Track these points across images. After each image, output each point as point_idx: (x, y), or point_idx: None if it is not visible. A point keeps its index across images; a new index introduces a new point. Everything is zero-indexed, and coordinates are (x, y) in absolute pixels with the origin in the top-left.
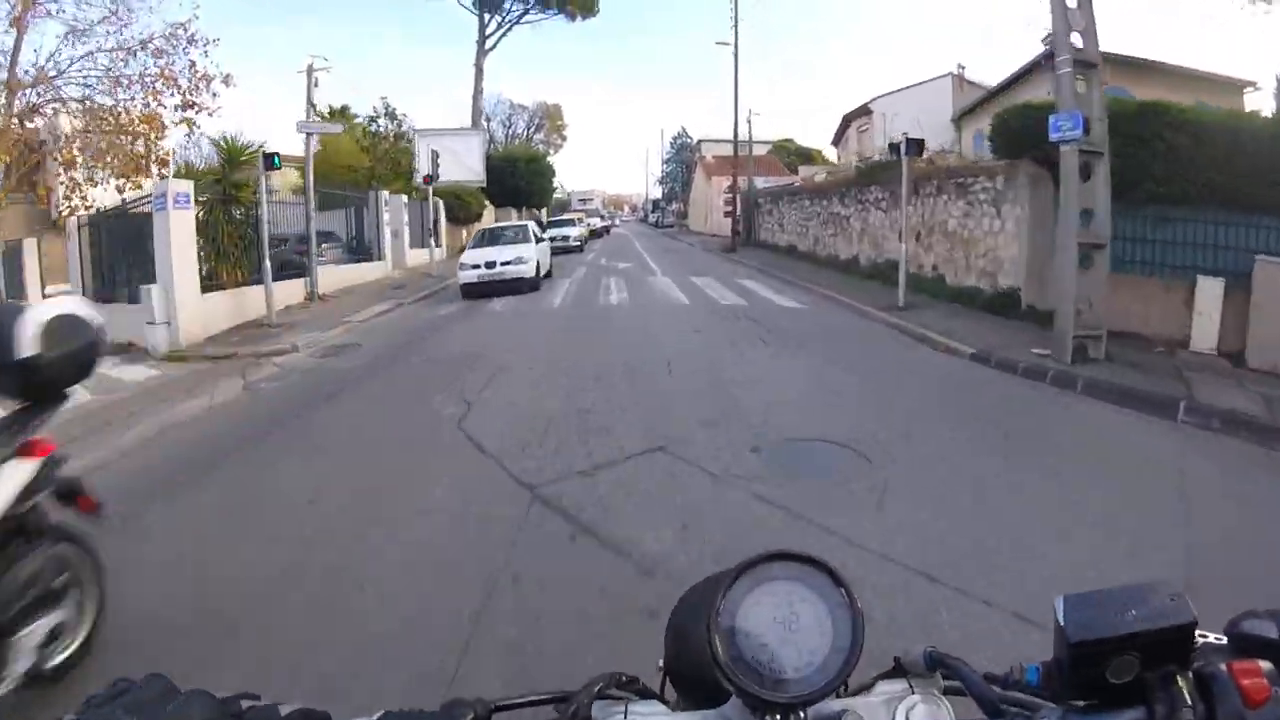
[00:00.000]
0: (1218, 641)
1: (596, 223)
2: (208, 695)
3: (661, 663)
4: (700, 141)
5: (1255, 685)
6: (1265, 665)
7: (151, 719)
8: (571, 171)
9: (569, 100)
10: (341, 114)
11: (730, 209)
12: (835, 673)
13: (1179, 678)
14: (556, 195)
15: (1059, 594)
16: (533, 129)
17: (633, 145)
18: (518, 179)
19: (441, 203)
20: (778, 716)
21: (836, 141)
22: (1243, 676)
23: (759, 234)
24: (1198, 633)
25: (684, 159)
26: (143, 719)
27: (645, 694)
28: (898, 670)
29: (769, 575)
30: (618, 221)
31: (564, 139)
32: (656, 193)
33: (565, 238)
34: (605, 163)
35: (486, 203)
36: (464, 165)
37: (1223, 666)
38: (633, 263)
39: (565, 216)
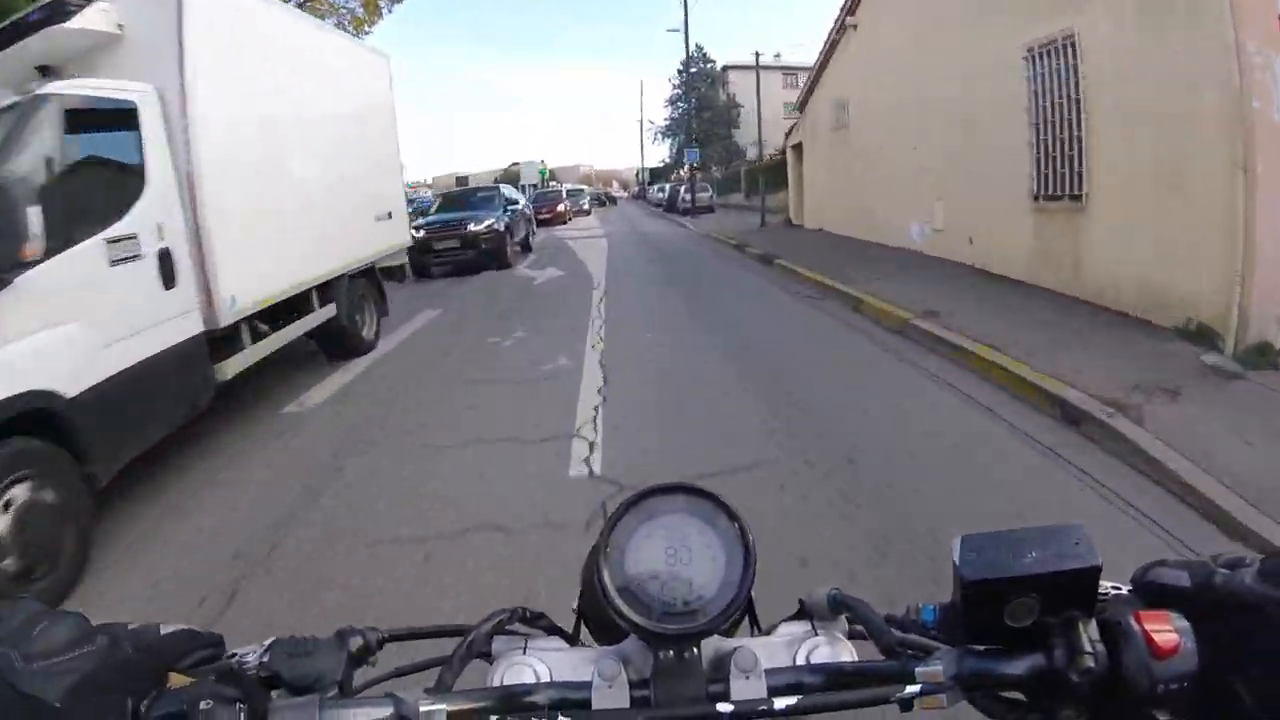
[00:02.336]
0: (1126, 593)
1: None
2: (79, 616)
3: (574, 605)
4: (727, 68)
5: (1163, 635)
6: (1174, 616)
7: (23, 643)
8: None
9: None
10: None
11: None
12: (725, 605)
13: (1081, 623)
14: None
15: (958, 534)
16: None
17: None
18: None
19: None
20: (670, 652)
21: None
22: (1150, 624)
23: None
24: (1106, 583)
25: (704, 98)
26: (14, 648)
27: (552, 630)
28: (802, 613)
29: (660, 509)
30: (586, 204)
31: None
32: (660, 155)
33: None
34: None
35: None
36: None
37: (1130, 614)
38: None
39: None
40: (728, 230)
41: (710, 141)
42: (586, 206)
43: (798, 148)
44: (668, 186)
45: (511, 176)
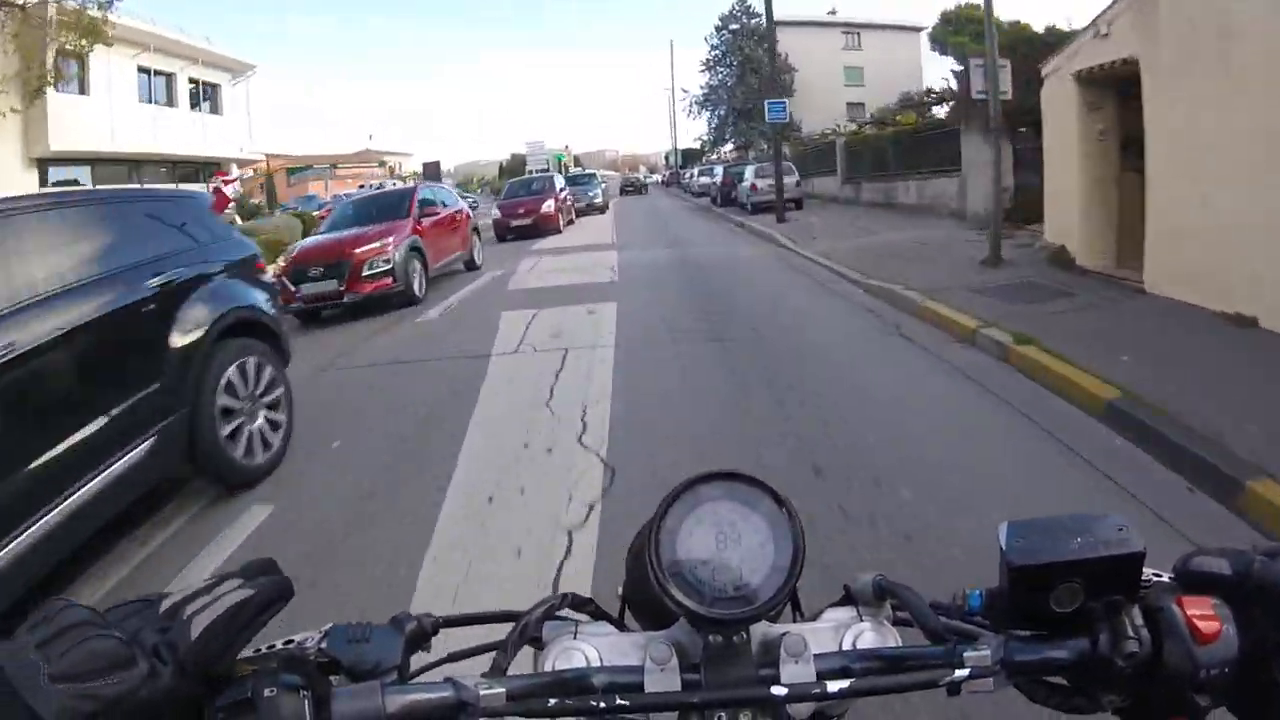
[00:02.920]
0: (1168, 580)
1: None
2: (118, 640)
3: (620, 590)
4: (775, 23)
5: (1205, 621)
6: (1216, 602)
7: (54, 656)
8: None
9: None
10: None
11: None
12: (775, 590)
13: (1125, 609)
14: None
15: (1003, 521)
16: None
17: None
18: None
19: None
20: (719, 637)
21: None
22: (1193, 609)
23: None
24: (1149, 570)
25: (750, 59)
26: (45, 658)
27: (600, 616)
28: (847, 599)
29: (710, 496)
30: (599, 196)
31: None
32: (694, 133)
33: None
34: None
35: None
36: None
37: (1173, 600)
38: None
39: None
40: (933, 282)
41: (755, 115)
42: (600, 200)
43: (1104, 78)
44: (716, 169)
45: (518, 165)
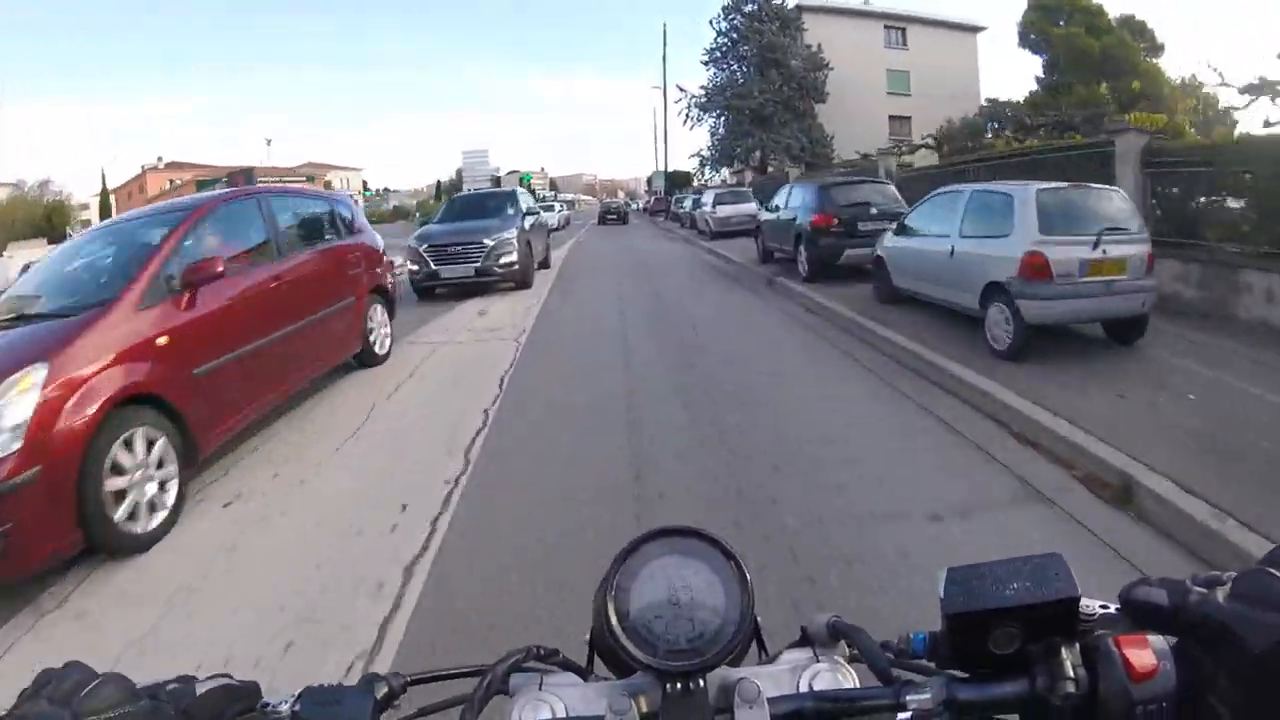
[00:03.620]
0: (1114, 611)
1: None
2: (123, 679)
3: (587, 636)
4: (801, 8)
5: (1140, 658)
6: (1154, 638)
7: (74, 702)
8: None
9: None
10: None
11: None
12: (726, 642)
13: (1064, 649)
14: None
15: (942, 568)
16: None
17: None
18: None
19: None
20: (678, 685)
21: None
22: (1129, 648)
23: None
24: (1091, 602)
25: (772, 45)
26: (65, 706)
27: (566, 665)
28: (804, 640)
29: (661, 551)
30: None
31: None
32: (693, 147)
33: None
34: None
35: None
36: None
37: (1110, 639)
38: None
39: None
40: None
41: (775, 123)
42: (515, 264)
43: None
44: (745, 193)
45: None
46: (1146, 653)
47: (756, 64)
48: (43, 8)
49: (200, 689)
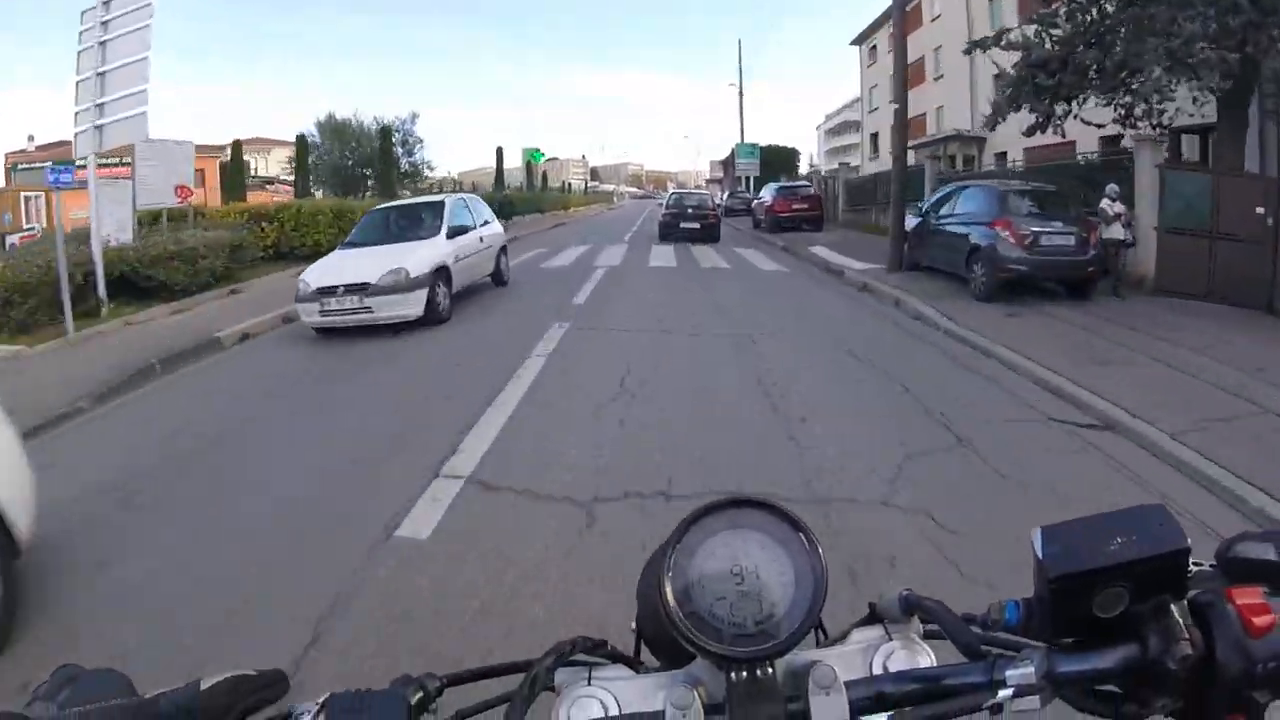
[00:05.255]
0: (1209, 569)
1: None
2: (117, 674)
3: (634, 624)
4: None
5: (1257, 611)
6: (1265, 590)
7: (59, 696)
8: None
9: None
10: None
11: None
12: (798, 624)
13: (1174, 608)
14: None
15: (1036, 526)
16: None
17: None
18: None
19: None
20: (744, 672)
21: None
22: (1243, 601)
23: None
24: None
25: None
26: (53, 700)
27: (615, 657)
28: (873, 617)
29: (723, 524)
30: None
31: None
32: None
33: None
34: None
35: None
36: None
37: (1220, 593)
38: None
39: None
40: None
41: (1079, 68)
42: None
43: None
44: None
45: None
46: (1263, 607)
47: None
48: None
49: (205, 684)
